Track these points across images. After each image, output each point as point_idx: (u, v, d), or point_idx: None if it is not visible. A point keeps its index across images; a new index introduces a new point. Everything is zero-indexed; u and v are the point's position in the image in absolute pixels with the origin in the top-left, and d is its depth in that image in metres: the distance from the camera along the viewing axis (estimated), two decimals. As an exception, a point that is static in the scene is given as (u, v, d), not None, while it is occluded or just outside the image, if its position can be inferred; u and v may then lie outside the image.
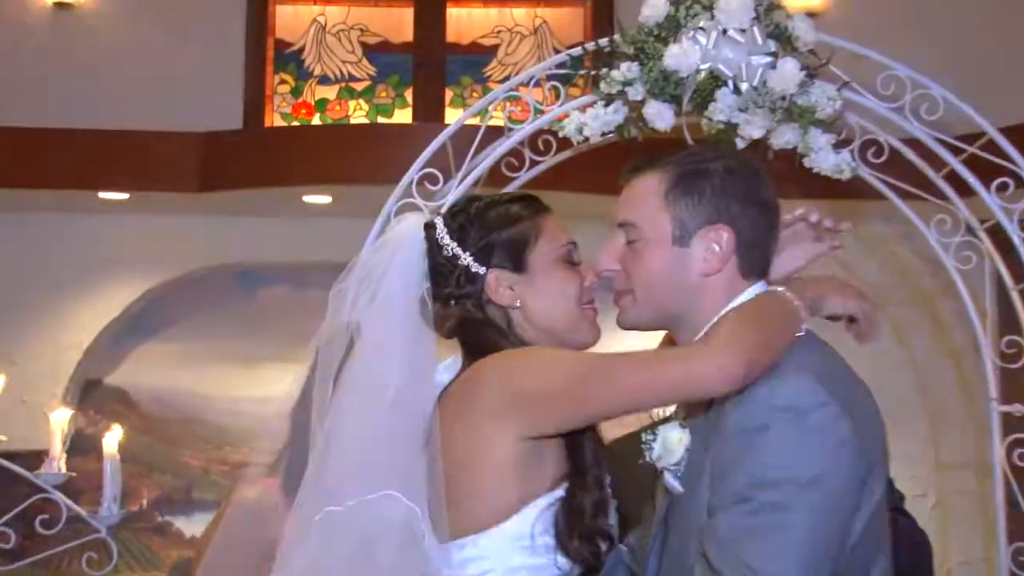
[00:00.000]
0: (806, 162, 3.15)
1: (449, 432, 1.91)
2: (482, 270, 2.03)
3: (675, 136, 3.25)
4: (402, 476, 1.89)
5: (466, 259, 2.04)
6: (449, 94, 5.99)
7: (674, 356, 1.87)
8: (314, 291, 5.97)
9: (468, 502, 1.87)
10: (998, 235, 3.26)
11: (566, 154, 3.40)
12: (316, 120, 6.02)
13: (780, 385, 1.78)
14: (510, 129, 3.32)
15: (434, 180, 3.29)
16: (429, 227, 2.09)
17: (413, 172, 3.27)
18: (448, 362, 2.04)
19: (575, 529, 1.87)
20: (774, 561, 1.71)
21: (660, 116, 3.07)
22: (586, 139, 3.17)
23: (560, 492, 1.89)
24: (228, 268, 6.10)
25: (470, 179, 3.29)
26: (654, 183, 1.97)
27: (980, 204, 3.28)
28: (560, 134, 3.20)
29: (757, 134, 3.05)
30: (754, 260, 1.95)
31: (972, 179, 3.25)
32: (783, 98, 3.01)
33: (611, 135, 3.18)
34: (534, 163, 3.41)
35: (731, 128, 3.05)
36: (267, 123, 6.01)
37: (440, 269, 2.05)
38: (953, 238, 3.31)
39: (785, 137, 3.09)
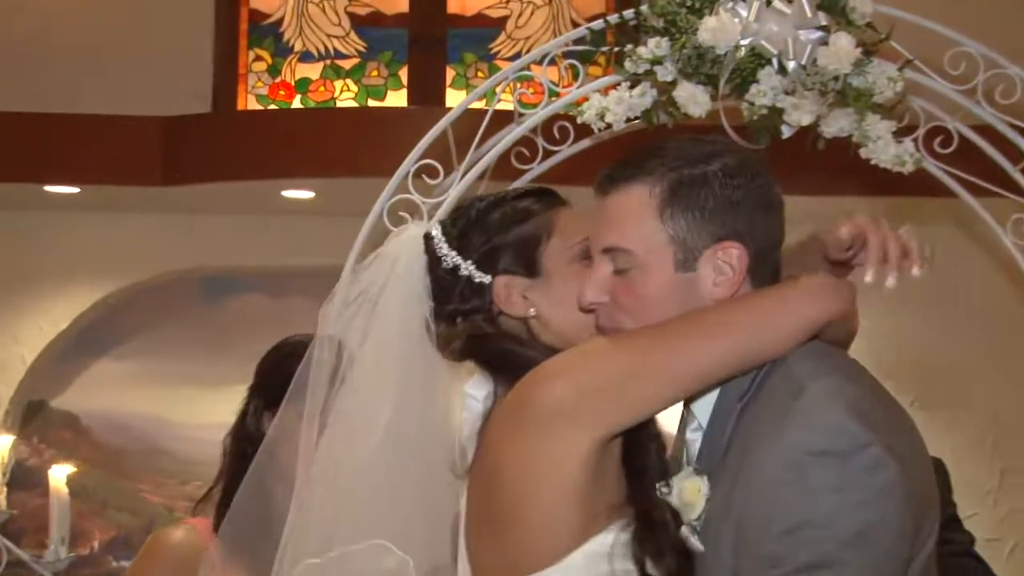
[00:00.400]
0: (862, 153, 3.16)
1: (496, 461, 1.90)
2: (487, 279, 2.04)
3: (710, 123, 3.26)
4: (396, 522, 1.90)
5: (467, 268, 2.05)
6: (451, 74, 6.01)
7: (761, 295, 1.90)
8: (294, 300, 6.00)
9: (528, 536, 1.85)
10: (1084, 238, 3.28)
11: (585, 143, 3.41)
12: (297, 103, 6.03)
13: (813, 425, 1.76)
14: (521, 115, 3.34)
15: (433, 173, 3.31)
16: (428, 238, 2.10)
17: (409, 164, 3.29)
18: (474, 383, 2.04)
19: (662, 543, 1.88)
20: None
21: (694, 100, 3.08)
22: (608, 126, 3.18)
23: (631, 509, 1.90)
24: (194, 274, 6.12)
25: (474, 172, 3.31)
26: (643, 196, 1.92)
27: (1064, 202, 3.29)
28: (578, 120, 3.21)
29: (806, 120, 3.06)
30: (766, 271, 1.94)
31: (1055, 173, 3.27)
32: (836, 79, 3.02)
33: (637, 121, 3.19)
34: (548, 154, 3.43)
35: (776, 114, 3.06)
36: (240, 106, 6.02)
37: (441, 283, 2.06)
38: (1032, 241, 3.33)
39: (838, 124, 3.11)
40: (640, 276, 1.91)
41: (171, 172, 5.54)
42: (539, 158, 3.42)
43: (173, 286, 6.11)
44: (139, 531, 6.07)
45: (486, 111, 3.33)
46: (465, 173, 3.32)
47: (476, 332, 2.03)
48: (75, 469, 4.96)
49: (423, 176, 3.30)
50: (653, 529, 1.86)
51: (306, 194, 5.71)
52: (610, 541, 1.85)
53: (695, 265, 1.90)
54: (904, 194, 4.65)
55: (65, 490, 4.20)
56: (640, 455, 1.93)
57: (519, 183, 3.50)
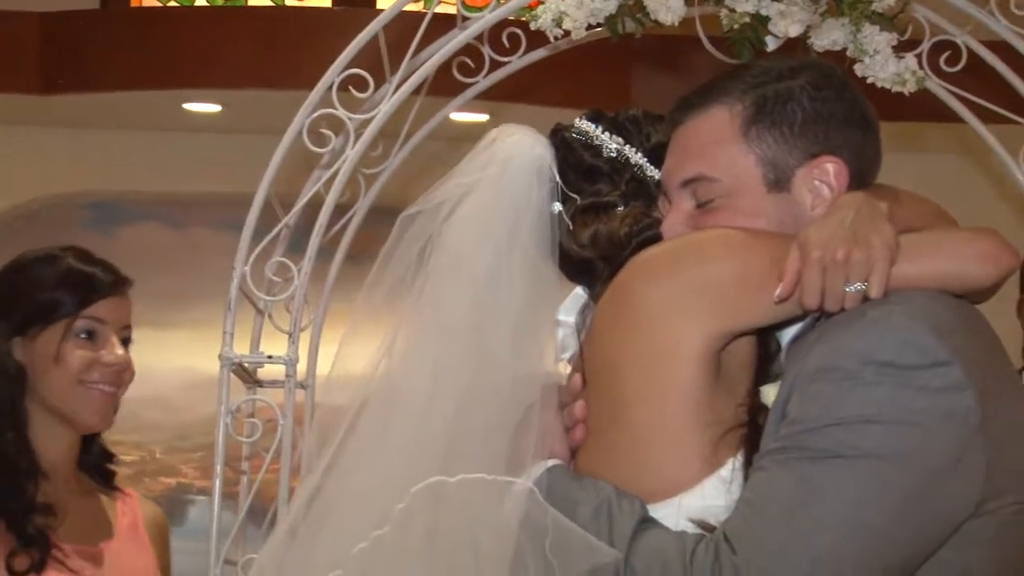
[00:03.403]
0: (858, 69, 3.16)
1: (609, 358, 1.95)
2: (656, 173, 2.13)
3: (685, 33, 3.26)
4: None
5: (636, 157, 2.14)
6: (381, -31, 5.97)
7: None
8: (198, 231, 5.97)
9: (656, 460, 1.89)
10: (1108, 171, 3.31)
11: (539, 53, 3.40)
12: (202, 0, 5.97)
13: (881, 334, 1.77)
14: (465, 18, 3.31)
15: (361, 85, 3.28)
16: (567, 128, 2.18)
17: (333, 74, 3.26)
18: (566, 308, 2.10)
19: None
20: (798, 533, 1.72)
21: (665, 5, 3.07)
22: (567, 34, 3.17)
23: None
24: (81, 198, 6.09)
25: (409, 84, 3.29)
26: (723, 118, 1.97)
27: (1086, 130, 3.32)
28: (532, 26, 3.19)
29: (795, 31, 3.06)
30: None
31: (1077, 96, 3.29)
32: (829, -17, 3.02)
33: (600, 29, 3.18)
34: (496, 65, 3.41)
35: (760, 23, 3.06)
36: (135, 2, 5.97)
37: (595, 172, 2.14)
38: (1048, 174, 3.35)
39: (831, 36, 3.11)
40: (728, 203, 1.96)
41: (51, 78, 5.48)
42: (485, 70, 3.40)
43: (56, 212, 6.07)
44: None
45: (424, 14, 3.30)
46: (399, 86, 3.29)
47: (642, 217, 2.09)
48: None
49: (350, 88, 3.28)
50: (759, 436, 1.89)
51: (212, 108, 5.67)
52: (731, 467, 1.89)
53: (789, 185, 1.95)
54: (904, 119, 4.66)
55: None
56: (763, 361, 1.98)
57: (462, 97, 3.49)
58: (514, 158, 2.12)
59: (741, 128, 1.96)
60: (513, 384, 2.00)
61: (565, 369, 2.08)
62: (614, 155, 2.14)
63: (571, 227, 2.11)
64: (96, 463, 2.88)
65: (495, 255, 2.04)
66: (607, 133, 2.15)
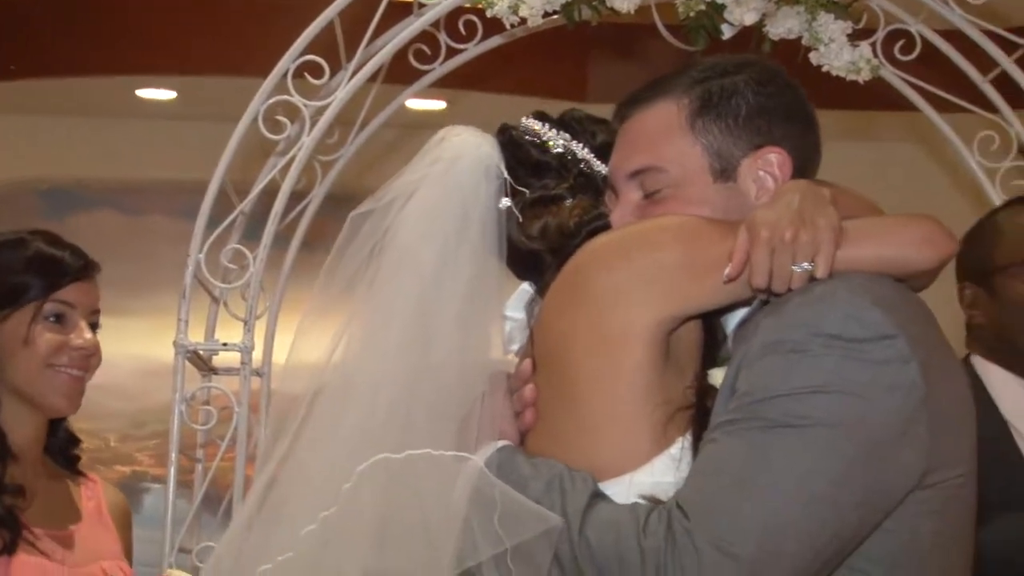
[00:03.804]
0: (812, 58, 3.18)
1: (559, 340, 1.97)
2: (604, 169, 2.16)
3: (641, 20, 3.26)
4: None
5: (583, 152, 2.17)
6: (337, -45, 5.94)
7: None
8: (152, 218, 5.94)
9: (607, 440, 1.92)
10: (1060, 160, 3.34)
11: (495, 41, 3.40)
12: (155, -14, 5.94)
13: (826, 308, 1.80)
14: (421, 5, 3.31)
15: (317, 72, 3.27)
16: (513, 127, 2.19)
17: (288, 61, 3.25)
18: (512, 304, 2.13)
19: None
20: (748, 505, 1.73)
21: (622, -8, 3.08)
22: (523, 21, 3.17)
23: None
24: (33, 185, 6.05)
25: (366, 71, 3.28)
26: (670, 112, 2.01)
27: (1038, 118, 3.34)
28: (488, 13, 3.19)
29: (749, 19, 3.08)
30: None
31: (1028, 85, 3.31)
32: (785, -28, 3.04)
33: (556, 17, 3.18)
34: (452, 52, 3.40)
35: (715, 10, 3.07)
36: (87, -13, 5.93)
37: (543, 167, 2.16)
38: (1001, 162, 3.38)
39: (787, 24, 3.12)
40: (675, 194, 1.99)
41: (3, 64, 5.43)
42: (442, 57, 3.40)
43: (9, 199, 6.02)
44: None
45: (380, 0, 3.30)
46: (355, 73, 3.29)
47: (591, 208, 2.12)
48: None
49: (305, 75, 3.27)
50: (707, 416, 1.93)
51: (166, 94, 5.64)
52: (681, 445, 1.92)
53: (734, 175, 1.99)
54: (859, 107, 4.70)
55: None
56: (711, 344, 2.01)
57: (418, 85, 3.49)
58: (462, 155, 2.14)
59: (688, 120, 2.00)
60: (461, 372, 2.03)
61: (513, 360, 2.10)
62: (561, 151, 2.16)
63: (520, 220, 2.13)
64: (62, 447, 2.87)
65: (443, 249, 2.07)
66: (554, 130, 2.18)
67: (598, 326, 1.92)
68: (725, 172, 1.99)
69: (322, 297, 2.14)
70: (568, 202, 2.14)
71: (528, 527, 1.84)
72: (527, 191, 2.14)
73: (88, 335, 2.75)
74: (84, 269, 2.78)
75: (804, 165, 2.01)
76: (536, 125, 2.18)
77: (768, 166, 1.98)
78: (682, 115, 2.00)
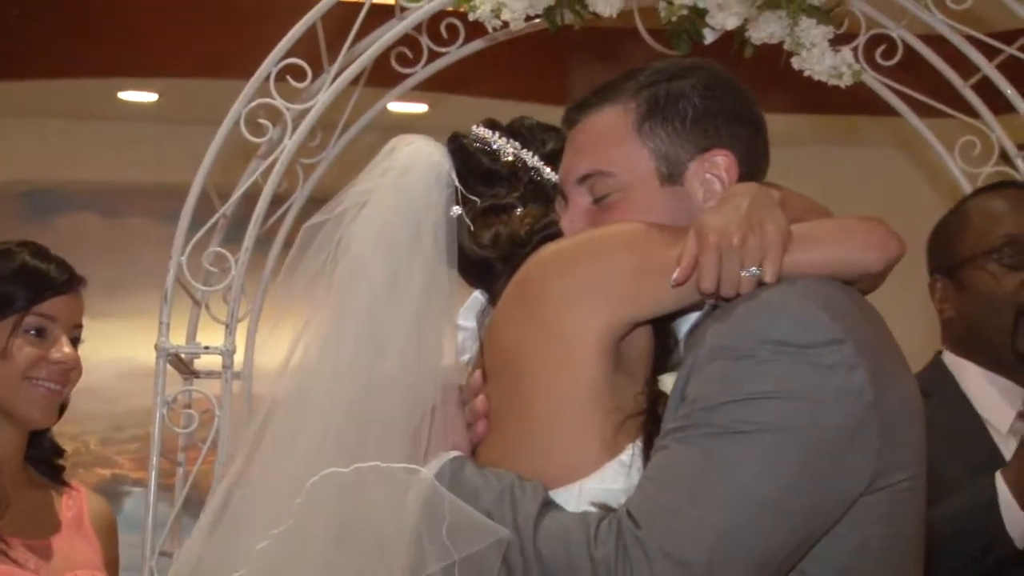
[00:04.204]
0: (794, 63, 3.18)
1: (511, 351, 1.97)
2: (554, 177, 2.16)
3: (623, 25, 3.26)
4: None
5: (533, 160, 2.17)
6: (320, -42, 5.94)
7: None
8: (133, 221, 5.93)
9: (558, 447, 1.91)
10: (1041, 165, 3.35)
11: (477, 44, 3.40)
12: (137, -12, 5.93)
13: (774, 314, 1.81)
14: (403, 8, 3.31)
15: (299, 75, 3.27)
16: (463, 136, 2.19)
17: (270, 64, 3.25)
18: (464, 312, 2.14)
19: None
20: (693, 508, 1.73)
21: (604, -4, 3.09)
22: (505, 25, 3.17)
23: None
24: (15, 187, 6.03)
25: (348, 74, 3.28)
26: (617, 117, 2.02)
27: (1019, 123, 3.35)
28: (470, 17, 3.19)
29: (732, 24, 3.08)
30: None
31: (1010, 90, 3.32)
32: (767, -24, 3.04)
33: (538, 21, 3.18)
34: (434, 55, 3.40)
35: (697, 15, 3.07)
36: (69, -11, 5.91)
37: (493, 176, 2.17)
38: (983, 167, 3.38)
39: (769, 29, 3.13)
40: (624, 198, 2.00)
41: (-15, 66, 5.43)
42: (424, 60, 3.40)
43: (-12, 202, 6.02)
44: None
45: (362, 3, 3.29)
46: (337, 76, 3.28)
47: (541, 216, 2.13)
48: None
49: (287, 78, 3.27)
50: (657, 423, 1.93)
51: (148, 97, 5.63)
52: (631, 452, 1.92)
53: (682, 179, 1.99)
54: (841, 112, 4.71)
55: None
56: (661, 352, 2.01)
57: (400, 88, 3.48)
58: (413, 164, 2.15)
59: (634, 124, 2.01)
60: (413, 383, 2.02)
61: (465, 370, 2.11)
62: (511, 159, 2.17)
63: (471, 229, 2.14)
64: (45, 457, 2.87)
65: (395, 258, 2.08)
66: (504, 139, 2.19)
67: (548, 333, 1.92)
68: (672, 176, 1.99)
69: (278, 307, 2.16)
70: (519, 211, 2.15)
71: (476, 539, 1.84)
72: (478, 200, 2.15)
73: (68, 349, 2.74)
74: (68, 283, 2.77)
75: (752, 168, 2.02)
76: (486, 133, 2.19)
77: (715, 169, 1.99)
78: (629, 119, 2.01)
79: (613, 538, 1.76)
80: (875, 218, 1.97)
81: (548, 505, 1.83)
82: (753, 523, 1.75)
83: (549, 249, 2.00)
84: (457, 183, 2.14)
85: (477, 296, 2.15)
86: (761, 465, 1.75)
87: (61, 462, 2.90)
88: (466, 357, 2.11)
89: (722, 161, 1.99)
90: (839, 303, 1.85)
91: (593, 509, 1.83)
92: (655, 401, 1.94)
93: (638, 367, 1.97)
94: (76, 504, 2.85)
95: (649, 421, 1.92)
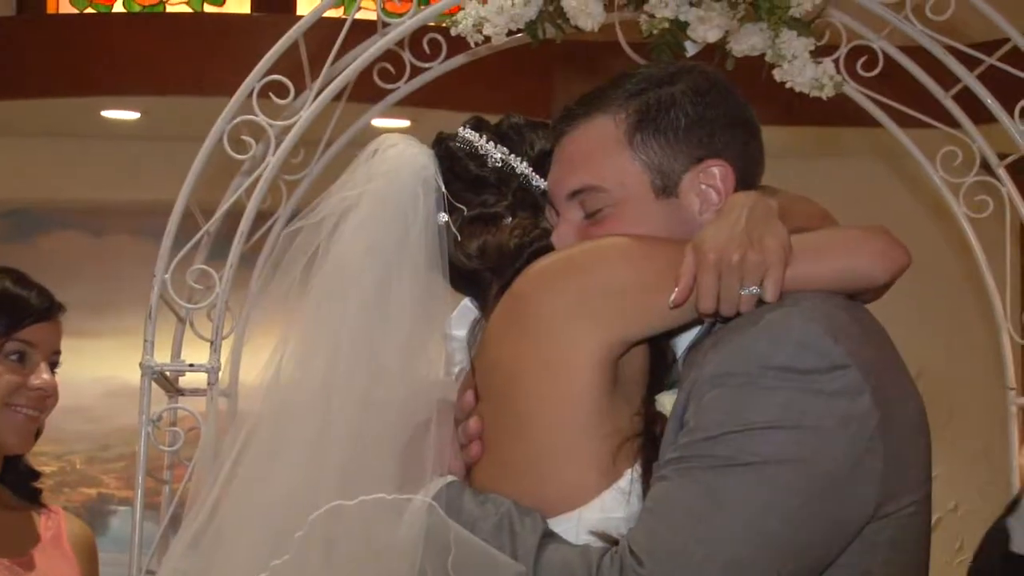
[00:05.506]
0: (776, 75, 3.19)
1: (506, 368, 1.92)
2: (543, 183, 2.11)
3: (605, 39, 3.27)
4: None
5: (521, 166, 2.11)
6: (302, -26, 5.95)
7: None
8: (118, 239, 5.91)
9: (555, 473, 1.87)
10: (1023, 174, 3.35)
11: (459, 60, 3.40)
12: (119, 7, 5.92)
13: (778, 338, 1.76)
14: (385, 24, 3.31)
15: (282, 91, 3.27)
16: (450, 139, 2.14)
17: (253, 80, 3.24)
18: (455, 321, 2.09)
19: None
20: (693, 541, 1.70)
21: (585, 10, 3.08)
22: (487, 40, 3.17)
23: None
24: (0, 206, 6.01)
25: (330, 91, 3.27)
26: (607, 128, 1.96)
27: (1000, 133, 3.36)
28: (453, 32, 3.19)
29: (713, 36, 3.08)
30: None
31: (991, 100, 3.33)
32: (747, -11, 3.04)
33: (520, 35, 3.18)
34: (417, 71, 3.40)
35: (679, 28, 3.07)
36: (51, 9, 5.90)
37: (481, 183, 2.11)
38: (964, 177, 3.39)
39: (750, 41, 3.13)
40: (617, 212, 1.95)
41: (-33, 86, 5.42)
42: (406, 76, 3.40)
43: (-28, 221, 6.01)
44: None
45: (344, 20, 3.29)
46: (319, 92, 3.28)
47: (531, 228, 2.08)
48: None
49: (270, 95, 3.26)
50: (656, 445, 1.88)
51: (131, 115, 5.62)
52: (630, 478, 1.87)
53: (676, 191, 1.94)
54: (822, 123, 4.72)
55: None
56: (659, 367, 1.97)
57: (383, 104, 3.48)
58: (398, 169, 2.10)
59: (626, 136, 1.95)
60: (407, 398, 1.98)
61: (455, 383, 2.06)
62: (499, 165, 2.11)
63: (458, 238, 2.09)
64: (21, 481, 2.86)
65: (383, 267, 2.02)
66: (491, 142, 2.13)
67: (543, 353, 1.87)
68: (667, 188, 1.94)
69: (261, 321, 2.12)
70: (508, 221, 2.09)
71: (483, 574, 1.80)
72: (465, 208, 2.09)
73: (47, 376, 2.74)
74: (49, 310, 2.77)
75: (748, 174, 1.97)
76: (473, 136, 2.13)
77: (711, 179, 1.94)
78: (619, 131, 1.95)
79: (616, 575, 1.72)
80: (879, 227, 1.91)
81: (548, 537, 1.79)
82: (757, 558, 1.71)
83: (541, 265, 1.95)
84: (443, 189, 2.10)
85: (467, 304, 2.11)
86: (765, 499, 1.71)
87: (38, 485, 2.89)
88: (456, 369, 2.07)
89: (718, 171, 1.94)
90: (843, 324, 1.79)
91: (593, 539, 1.80)
92: (652, 422, 1.89)
93: (634, 386, 1.92)
94: (55, 525, 2.85)
95: (647, 444, 1.87)
